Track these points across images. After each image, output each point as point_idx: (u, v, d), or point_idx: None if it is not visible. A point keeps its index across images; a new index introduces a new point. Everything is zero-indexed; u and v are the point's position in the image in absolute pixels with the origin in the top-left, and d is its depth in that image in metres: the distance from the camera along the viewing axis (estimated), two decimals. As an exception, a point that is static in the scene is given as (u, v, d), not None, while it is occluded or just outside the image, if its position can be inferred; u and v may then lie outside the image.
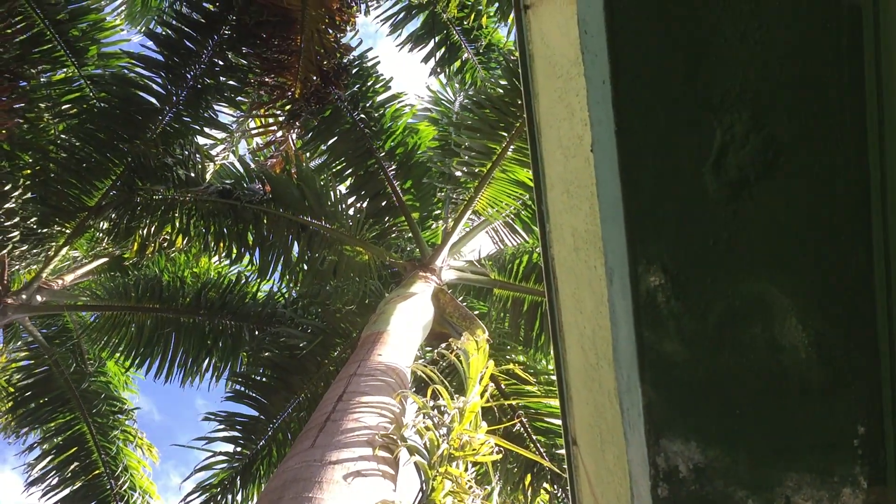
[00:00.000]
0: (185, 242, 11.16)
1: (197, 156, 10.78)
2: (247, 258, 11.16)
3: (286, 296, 11.62)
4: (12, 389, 12.29)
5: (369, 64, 11.07)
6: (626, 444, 1.78)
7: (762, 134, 1.43)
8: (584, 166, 1.82)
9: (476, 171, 10.07)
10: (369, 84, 11.08)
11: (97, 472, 11.71)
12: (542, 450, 9.31)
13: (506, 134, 9.63)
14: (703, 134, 1.45)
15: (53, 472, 11.74)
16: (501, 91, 9.73)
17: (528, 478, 9.27)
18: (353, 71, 10.89)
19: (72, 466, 11.74)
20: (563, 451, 8.96)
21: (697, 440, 1.59)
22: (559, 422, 9.06)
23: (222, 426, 9.92)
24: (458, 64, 12.87)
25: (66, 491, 11.69)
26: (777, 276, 1.49)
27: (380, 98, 11.10)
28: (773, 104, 1.42)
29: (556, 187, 2.41)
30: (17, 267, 10.70)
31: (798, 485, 1.57)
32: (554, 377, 9.58)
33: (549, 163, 2.50)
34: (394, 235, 11.03)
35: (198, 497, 9.52)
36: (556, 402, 9.13)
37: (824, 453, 1.56)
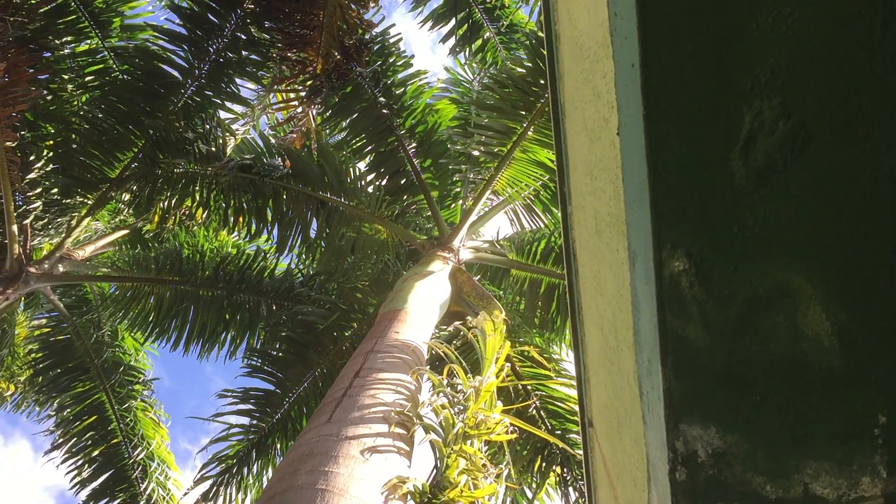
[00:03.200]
0: (205, 216, 11.23)
1: (218, 130, 10.80)
2: (265, 235, 11.21)
3: (304, 272, 11.68)
4: (31, 358, 12.47)
5: (392, 41, 11.02)
6: (644, 427, 1.79)
7: (791, 121, 1.42)
8: (609, 149, 1.81)
9: (496, 150, 10.02)
10: (391, 61, 11.03)
11: (115, 440, 11.87)
12: (555, 432, 9.33)
13: (527, 114, 9.57)
14: (731, 119, 1.44)
15: (72, 440, 11.91)
16: (524, 71, 9.65)
17: (539, 460, 9.31)
18: (375, 48, 10.85)
19: (89, 434, 11.91)
20: (575, 436, 9.03)
21: (717, 425, 1.59)
22: (571, 406, 9.11)
23: (238, 399, 10.02)
24: (479, 43, 12.77)
25: (84, 459, 11.86)
26: (802, 265, 1.49)
27: (401, 75, 11.06)
28: (803, 91, 1.41)
29: (579, 169, 2.40)
30: (39, 237, 10.80)
31: (817, 472, 1.58)
32: (565, 364, 9.64)
33: (573, 145, 2.49)
34: (412, 214, 11.02)
35: (214, 468, 9.65)
36: (569, 388, 9.14)
37: (844, 442, 1.56)
